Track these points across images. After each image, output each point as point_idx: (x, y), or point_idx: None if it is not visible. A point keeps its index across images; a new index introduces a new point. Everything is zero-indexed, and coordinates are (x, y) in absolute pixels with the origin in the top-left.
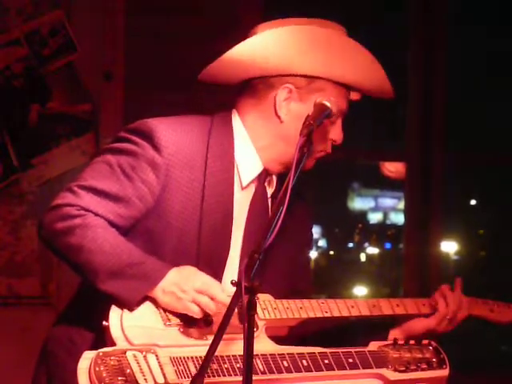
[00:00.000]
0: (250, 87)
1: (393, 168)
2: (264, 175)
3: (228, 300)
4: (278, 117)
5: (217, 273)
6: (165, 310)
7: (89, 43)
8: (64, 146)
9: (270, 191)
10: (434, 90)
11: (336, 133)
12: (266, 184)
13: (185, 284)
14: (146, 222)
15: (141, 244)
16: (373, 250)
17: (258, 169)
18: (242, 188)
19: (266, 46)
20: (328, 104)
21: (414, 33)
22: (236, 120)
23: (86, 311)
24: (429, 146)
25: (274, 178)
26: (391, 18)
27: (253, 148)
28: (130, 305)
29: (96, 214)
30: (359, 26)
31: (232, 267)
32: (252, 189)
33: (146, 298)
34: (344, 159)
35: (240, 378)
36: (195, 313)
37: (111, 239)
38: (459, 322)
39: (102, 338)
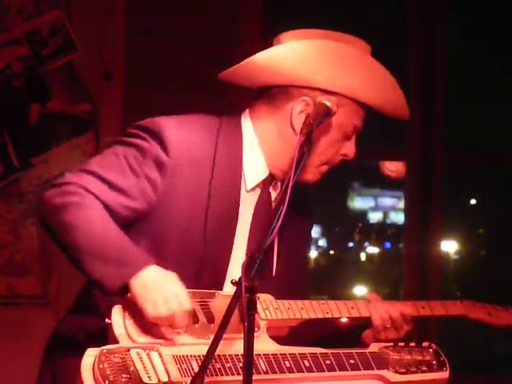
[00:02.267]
0: (269, 94)
1: (393, 167)
2: (269, 180)
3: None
4: (293, 129)
5: (219, 273)
6: None
7: (89, 43)
8: (64, 146)
9: (274, 195)
10: (434, 90)
11: (349, 148)
12: (271, 189)
13: (162, 285)
14: (150, 222)
15: (144, 243)
16: (373, 250)
17: (263, 173)
18: (247, 191)
19: (290, 56)
20: (328, 103)
21: (414, 33)
22: (247, 123)
23: (90, 310)
24: (429, 145)
25: (279, 184)
26: (391, 17)
27: (261, 153)
28: (109, 291)
29: (95, 197)
30: (359, 26)
31: (236, 269)
32: (257, 192)
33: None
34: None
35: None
36: (154, 321)
37: (103, 223)
38: (405, 323)
39: (103, 337)
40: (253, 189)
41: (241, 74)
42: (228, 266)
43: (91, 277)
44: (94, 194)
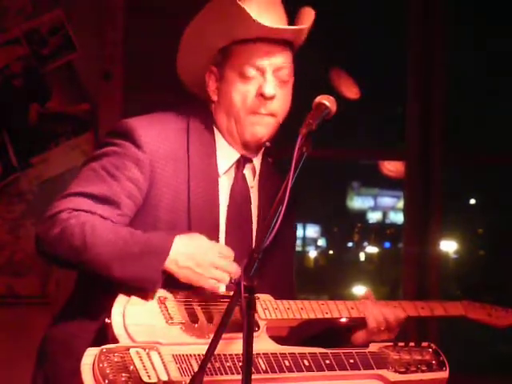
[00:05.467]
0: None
1: (392, 167)
2: (242, 162)
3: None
4: (212, 99)
5: None
6: (167, 309)
7: (88, 43)
8: (63, 146)
9: (252, 182)
10: (434, 89)
11: (262, 86)
12: (246, 172)
13: (200, 257)
14: (135, 220)
15: None
16: (372, 250)
17: (233, 157)
18: (220, 176)
19: (188, 39)
20: (327, 103)
21: (414, 32)
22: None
23: (83, 311)
24: (428, 145)
25: (257, 165)
26: (391, 17)
27: (221, 135)
28: (152, 285)
29: (89, 212)
30: (359, 26)
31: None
32: (231, 176)
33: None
34: (343, 159)
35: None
36: (211, 286)
37: (109, 228)
38: (398, 325)
39: (103, 337)
40: (227, 172)
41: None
42: None
43: (127, 280)
44: (87, 210)
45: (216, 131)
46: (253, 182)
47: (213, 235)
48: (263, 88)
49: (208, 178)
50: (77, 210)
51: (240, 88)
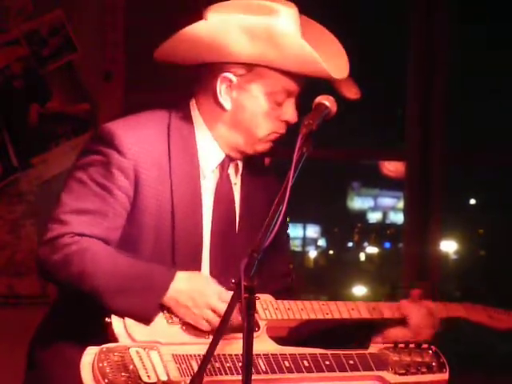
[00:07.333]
0: (197, 75)
1: (392, 167)
2: (227, 162)
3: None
4: (221, 106)
5: (194, 262)
6: (168, 308)
7: (89, 43)
8: (63, 146)
9: (236, 179)
10: (434, 89)
11: (289, 113)
12: (230, 171)
13: (199, 298)
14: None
15: (120, 247)
16: (372, 250)
17: (219, 157)
18: (205, 177)
19: (209, 32)
20: (327, 103)
21: (415, 32)
22: (195, 109)
23: (75, 314)
24: (428, 145)
25: (240, 164)
26: (392, 17)
27: (212, 138)
28: (147, 319)
29: (90, 236)
30: (359, 25)
31: (205, 254)
32: (216, 176)
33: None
34: (343, 159)
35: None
36: (204, 328)
37: (110, 257)
38: (438, 326)
39: (99, 338)
40: (211, 172)
41: (170, 52)
42: (201, 260)
43: (124, 313)
44: (87, 233)
45: (198, 133)
46: (236, 179)
47: (195, 240)
48: (290, 115)
49: (190, 182)
50: (77, 234)
51: (270, 112)
